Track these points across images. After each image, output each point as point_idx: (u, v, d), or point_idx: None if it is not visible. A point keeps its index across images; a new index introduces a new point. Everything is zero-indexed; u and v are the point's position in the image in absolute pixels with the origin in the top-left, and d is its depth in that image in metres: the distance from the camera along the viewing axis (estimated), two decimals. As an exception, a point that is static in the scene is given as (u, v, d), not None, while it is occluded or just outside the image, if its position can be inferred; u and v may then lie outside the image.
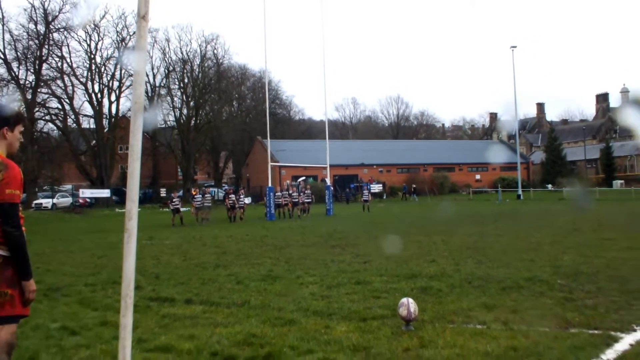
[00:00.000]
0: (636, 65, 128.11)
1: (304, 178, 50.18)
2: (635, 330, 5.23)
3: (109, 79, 57.36)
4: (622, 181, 64.39)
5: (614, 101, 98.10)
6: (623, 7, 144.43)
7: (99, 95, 56.53)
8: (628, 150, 75.01)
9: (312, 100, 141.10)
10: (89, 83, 55.78)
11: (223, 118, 67.59)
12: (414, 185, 55.06)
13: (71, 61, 54.73)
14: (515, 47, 52.38)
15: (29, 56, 51.06)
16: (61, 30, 52.58)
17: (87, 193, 50.43)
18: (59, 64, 54.02)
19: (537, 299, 6.76)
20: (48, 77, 53.13)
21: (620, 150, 74.17)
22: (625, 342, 4.89)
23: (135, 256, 3.20)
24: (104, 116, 57.06)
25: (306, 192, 32.07)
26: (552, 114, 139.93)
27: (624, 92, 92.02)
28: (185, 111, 65.40)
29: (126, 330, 3.08)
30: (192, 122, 64.86)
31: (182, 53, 64.70)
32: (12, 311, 3.27)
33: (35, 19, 50.66)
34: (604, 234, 14.35)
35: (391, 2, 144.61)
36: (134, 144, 3.06)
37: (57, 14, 51.19)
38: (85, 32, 54.60)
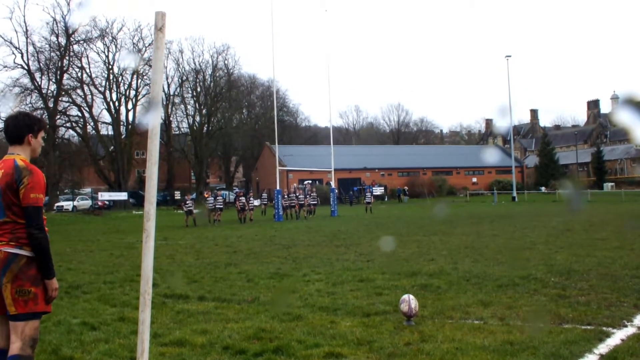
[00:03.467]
0: (625, 71, 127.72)
1: (310, 181, 50.19)
2: (626, 326, 5.20)
3: (126, 88, 57.60)
4: (613, 183, 64.08)
5: (605, 107, 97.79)
6: (613, 17, 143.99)
7: (116, 103, 56.77)
8: (618, 154, 74.70)
9: (317, 108, 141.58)
10: (107, 92, 56.04)
11: (233, 125, 67.76)
12: (406, 188, 55.55)
13: (90, 71, 55.07)
14: (510, 56, 52.21)
15: (50, 67, 51.34)
16: (81, 42, 52.89)
17: (105, 196, 50.57)
18: (79, 74, 54.31)
19: (531, 296, 6.73)
20: (69, 87, 53.41)
21: (610, 154, 73.84)
22: (617, 337, 4.86)
23: (153, 255, 3.21)
24: (122, 123, 57.23)
25: (312, 194, 32.08)
26: (545, 120, 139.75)
27: (614, 98, 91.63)
28: (198, 118, 65.65)
29: (144, 325, 3.08)
30: (205, 128, 65.05)
31: (194, 63, 65.02)
32: (34, 308, 3.29)
33: (56, 31, 50.99)
34: (596, 233, 14.26)
35: (392, 14, 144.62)
36: (151, 150, 3.07)
37: (77, 27, 51.55)
38: (104, 44, 54.92)
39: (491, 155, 65.12)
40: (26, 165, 3.34)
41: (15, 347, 3.23)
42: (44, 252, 3.28)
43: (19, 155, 3.39)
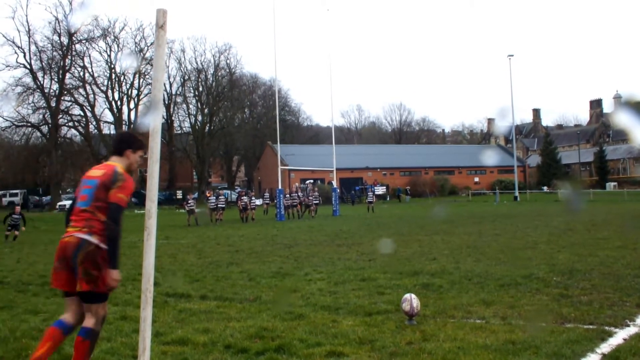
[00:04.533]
0: (628, 72, 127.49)
1: (311, 181, 50.19)
2: (628, 326, 5.19)
3: (128, 87, 57.74)
4: (615, 183, 63.94)
5: (607, 107, 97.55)
6: (616, 16, 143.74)
7: (118, 102, 56.90)
8: (621, 153, 74.53)
9: (319, 107, 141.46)
10: (109, 91, 56.16)
11: (235, 124, 67.78)
12: (408, 187, 55.74)
13: (92, 71, 55.16)
14: (512, 55, 52.10)
15: (53, 66, 51.41)
16: (83, 41, 52.94)
17: (107, 195, 50.56)
18: (81, 74, 54.43)
19: (533, 295, 6.72)
20: (71, 86, 53.49)
21: (613, 154, 73.68)
22: (619, 336, 4.85)
23: (154, 253, 3.21)
24: (124, 122, 57.31)
25: (314, 194, 32.07)
26: (548, 120, 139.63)
27: (617, 98, 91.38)
28: (200, 118, 65.71)
29: (146, 322, 3.09)
30: (207, 128, 65.11)
31: (196, 63, 65.10)
32: (96, 288, 3.76)
33: (59, 31, 51.06)
34: (598, 233, 14.24)
35: (394, 14, 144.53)
36: (153, 147, 3.07)
37: (79, 26, 51.61)
38: (106, 44, 54.99)
39: (491, 157, 64.90)
40: (123, 172, 3.95)
41: (90, 322, 3.79)
42: (114, 243, 3.76)
43: (119, 164, 4.00)
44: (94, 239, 3.75)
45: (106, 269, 3.72)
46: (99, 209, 3.80)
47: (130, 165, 4.07)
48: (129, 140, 4.15)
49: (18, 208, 20.51)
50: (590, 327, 5.18)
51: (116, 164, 3.98)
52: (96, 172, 3.96)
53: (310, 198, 31.23)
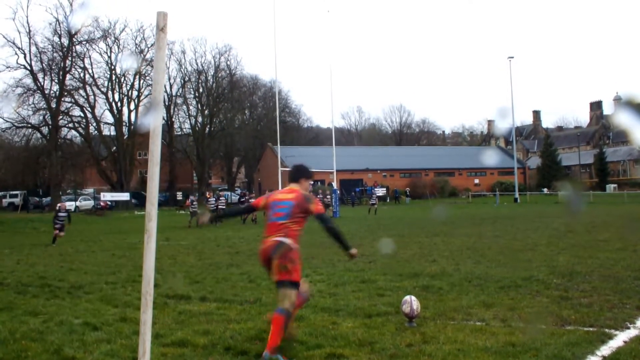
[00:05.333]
0: (628, 73, 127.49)
1: (311, 182, 50.10)
2: (628, 328, 5.19)
3: (128, 88, 57.55)
4: (615, 185, 63.86)
5: (607, 108, 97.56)
6: (615, 18, 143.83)
7: (119, 104, 56.76)
8: (621, 155, 74.54)
9: (319, 109, 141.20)
10: (110, 92, 56.01)
11: (236, 126, 67.72)
12: (408, 189, 55.78)
13: (93, 72, 55.03)
14: (512, 57, 52.04)
15: (53, 67, 51.33)
16: (83, 42, 52.91)
17: (107, 196, 50.53)
18: (82, 75, 54.32)
19: (534, 297, 6.72)
20: (71, 87, 53.39)
21: (613, 156, 73.66)
22: (619, 339, 4.85)
23: (154, 255, 3.21)
24: (124, 124, 57.25)
25: (325, 197, 31.77)
26: (548, 121, 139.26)
27: (617, 99, 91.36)
28: (200, 119, 65.65)
29: (146, 325, 3.08)
30: (207, 129, 65.07)
31: (197, 64, 65.03)
32: (289, 277, 4.73)
33: (59, 32, 50.95)
34: (598, 235, 14.22)
35: (394, 15, 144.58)
36: (153, 150, 3.07)
37: (79, 27, 51.57)
38: (106, 45, 54.96)
39: (492, 157, 64.87)
40: (309, 194, 5.04)
41: (286, 304, 4.64)
42: (339, 236, 4.90)
43: (300, 189, 5.01)
44: (288, 240, 4.74)
45: (299, 264, 4.81)
46: (296, 222, 4.83)
47: (305, 190, 5.07)
48: (304, 170, 5.25)
49: (65, 204, 18.73)
50: (591, 329, 5.18)
51: (299, 188, 5.03)
52: (286, 195, 4.99)
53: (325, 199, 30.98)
